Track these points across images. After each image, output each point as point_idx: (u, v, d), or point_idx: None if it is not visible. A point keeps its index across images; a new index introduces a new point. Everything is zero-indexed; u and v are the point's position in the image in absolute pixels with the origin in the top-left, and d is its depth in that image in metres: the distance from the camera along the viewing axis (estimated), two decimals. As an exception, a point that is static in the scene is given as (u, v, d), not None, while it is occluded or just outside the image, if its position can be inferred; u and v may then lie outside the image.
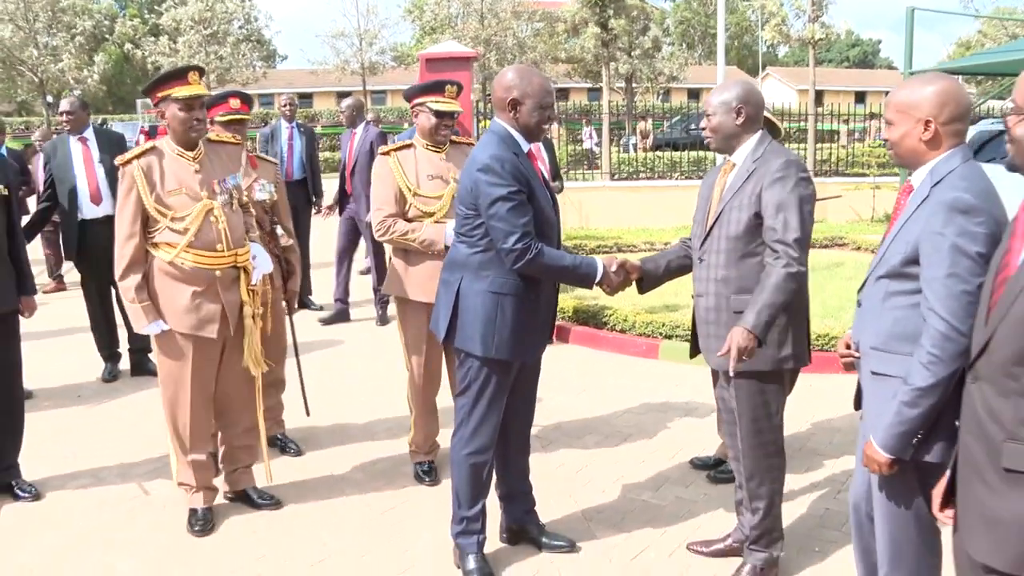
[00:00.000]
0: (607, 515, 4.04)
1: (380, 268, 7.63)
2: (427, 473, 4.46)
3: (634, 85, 34.42)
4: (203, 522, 3.96)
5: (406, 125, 23.45)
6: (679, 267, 3.62)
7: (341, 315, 8.13)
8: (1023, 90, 1.90)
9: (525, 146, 3.34)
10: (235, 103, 4.98)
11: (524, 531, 3.77)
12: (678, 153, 18.07)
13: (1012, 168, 1.97)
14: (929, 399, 2.25)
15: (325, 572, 3.60)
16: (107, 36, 40.70)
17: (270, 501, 4.20)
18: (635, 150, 24.80)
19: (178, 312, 3.81)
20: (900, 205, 2.54)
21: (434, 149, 4.37)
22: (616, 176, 17.73)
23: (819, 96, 42.34)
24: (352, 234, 8.15)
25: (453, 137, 4.47)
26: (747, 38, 62.39)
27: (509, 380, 3.43)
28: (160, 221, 3.77)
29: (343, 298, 8.23)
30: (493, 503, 3.66)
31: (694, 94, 49.41)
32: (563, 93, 45.19)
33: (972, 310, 2.12)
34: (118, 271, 3.82)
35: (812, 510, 4.07)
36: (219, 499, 4.16)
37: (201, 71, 3.92)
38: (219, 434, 4.23)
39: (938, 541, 2.55)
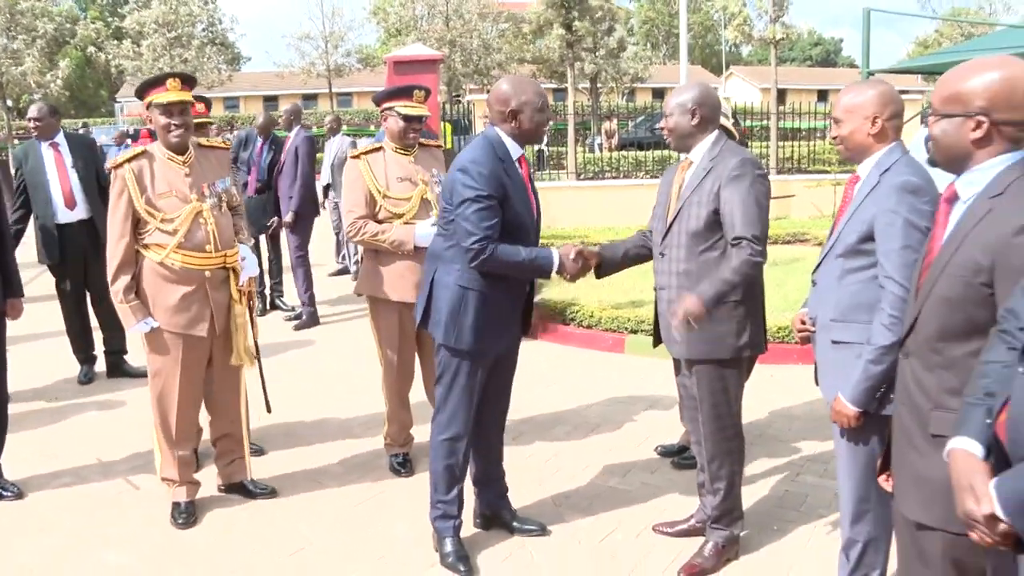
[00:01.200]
0: (576, 500, 4.22)
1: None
2: (402, 465, 4.61)
3: (599, 85, 34.69)
4: (186, 515, 4.07)
5: (372, 128, 23.46)
6: (636, 255, 3.76)
7: (312, 318, 8.16)
8: (939, 93, 2.10)
9: (516, 152, 3.48)
10: (199, 107, 5.12)
11: (497, 516, 3.92)
12: (643, 152, 18.29)
13: (932, 164, 2.17)
14: (891, 355, 2.47)
15: (305, 560, 3.74)
16: (68, 40, 40.27)
17: (265, 491, 4.34)
18: (600, 150, 25.03)
19: (168, 311, 3.93)
20: (848, 194, 2.84)
21: (403, 152, 4.52)
22: (582, 176, 17.92)
23: (782, 94, 42.84)
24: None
25: (421, 140, 4.61)
26: (710, 37, 63.00)
27: (480, 370, 3.56)
28: (150, 223, 3.88)
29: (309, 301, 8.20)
30: (468, 491, 3.81)
31: (659, 94, 49.82)
32: (529, 93, 45.41)
33: None
34: (109, 271, 3.93)
35: (772, 492, 4.26)
36: (205, 492, 4.27)
37: (183, 77, 4.01)
38: (201, 431, 4.36)
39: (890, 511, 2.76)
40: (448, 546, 3.63)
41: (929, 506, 1.95)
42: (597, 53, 31.31)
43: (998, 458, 1.69)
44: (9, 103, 35.70)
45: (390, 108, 4.49)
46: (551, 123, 3.53)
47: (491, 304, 3.46)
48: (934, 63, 14.08)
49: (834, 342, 2.81)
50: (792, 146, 18.28)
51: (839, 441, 2.85)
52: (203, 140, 4.27)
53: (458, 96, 35.23)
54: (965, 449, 1.75)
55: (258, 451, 4.83)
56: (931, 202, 2.53)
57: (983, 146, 2.04)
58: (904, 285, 2.50)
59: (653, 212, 3.70)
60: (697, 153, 3.47)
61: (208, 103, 6.01)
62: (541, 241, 8.80)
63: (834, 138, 2.86)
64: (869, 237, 2.68)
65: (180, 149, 4.00)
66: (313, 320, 8.09)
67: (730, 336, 3.40)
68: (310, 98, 50.12)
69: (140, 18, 36.60)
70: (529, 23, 32.25)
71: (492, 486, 3.92)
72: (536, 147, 23.93)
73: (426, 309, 3.56)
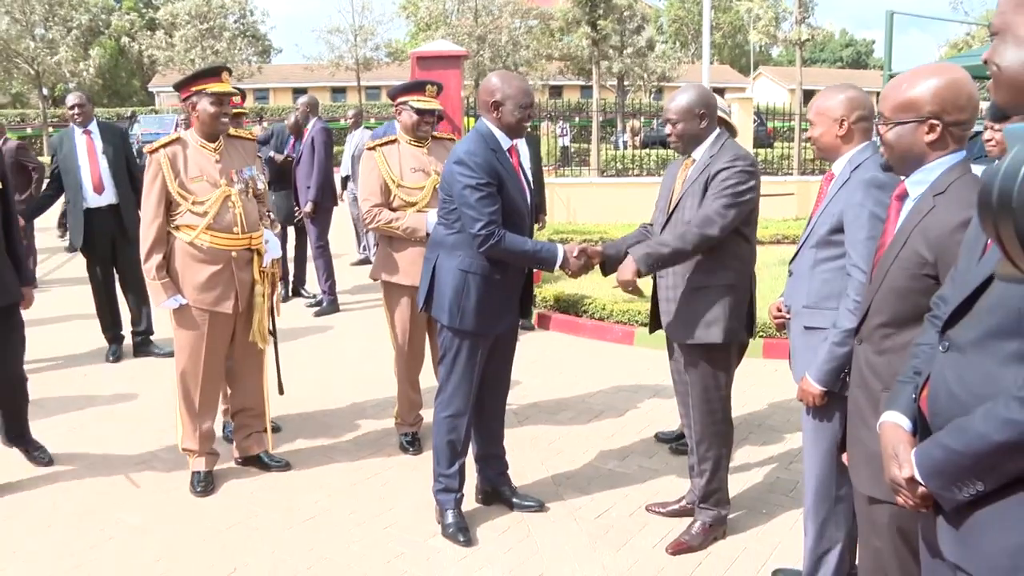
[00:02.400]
0: (575, 480, 4.40)
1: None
2: (411, 443, 4.82)
3: (627, 83, 34.77)
4: (205, 483, 4.31)
5: (371, 120, 23.56)
6: None
7: (332, 305, 8.38)
8: (888, 102, 2.25)
9: (506, 143, 3.69)
10: (236, 98, 5.33)
11: (497, 492, 4.12)
12: (667, 151, 18.40)
13: (886, 168, 2.33)
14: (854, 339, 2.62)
15: (317, 526, 3.96)
16: (103, 30, 40.87)
17: (280, 463, 4.57)
18: (625, 147, 25.14)
19: (196, 289, 4.18)
20: (823, 189, 3.05)
21: (416, 144, 4.74)
22: (605, 172, 18.06)
23: (810, 95, 42.69)
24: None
25: (434, 133, 4.83)
26: (740, 37, 62.69)
27: (480, 350, 3.77)
28: (182, 204, 4.13)
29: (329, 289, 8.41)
30: (471, 468, 4.02)
31: (687, 93, 49.74)
32: (556, 90, 45.53)
33: None
34: (143, 250, 4.17)
35: (765, 479, 4.43)
36: (224, 464, 4.50)
37: (230, 71, 4.30)
38: (223, 407, 4.59)
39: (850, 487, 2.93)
40: (449, 517, 3.84)
41: (878, 480, 2.10)
42: (625, 52, 31.39)
43: (924, 431, 1.86)
44: (44, 92, 36.26)
45: (404, 102, 4.72)
46: (531, 120, 3.77)
47: (492, 288, 3.68)
48: (964, 65, 14.11)
49: (806, 328, 3.00)
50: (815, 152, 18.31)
51: (806, 420, 3.02)
52: (232, 130, 4.49)
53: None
54: (893, 422, 1.92)
55: (276, 428, 5.02)
56: None
57: (937, 148, 2.19)
58: (867, 273, 2.63)
59: (656, 206, 3.88)
60: (699, 152, 3.65)
61: (243, 94, 6.21)
62: (560, 236, 8.99)
63: (808, 138, 3.08)
64: (839, 229, 2.87)
65: (214, 137, 4.25)
66: (333, 307, 8.32)
67: (720, 321, 3.57)
68: (339, 91, 50.54)
69: (174, 9, 37.13)
70: (557, 20, 32.38)
71: (493, 463, 4.12)
72: (560, 143, 24.16)
73: (429, 293, 3.77)
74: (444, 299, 3.69)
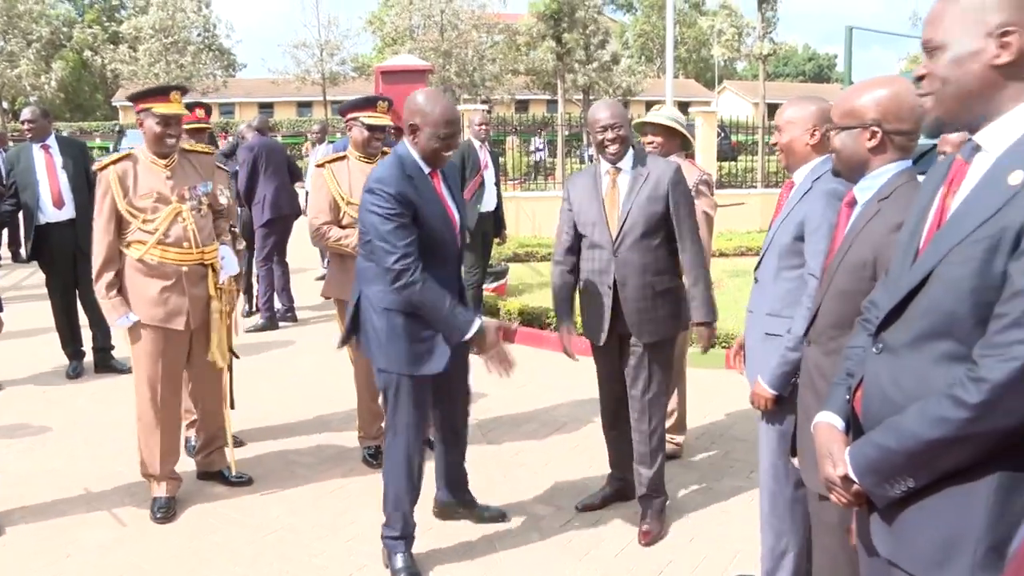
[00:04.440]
0: (538, 493, 4.42)
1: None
2: (373, 456, 4.80)
3: (592, 97, 34.97)
4: (165, 509, 4.18)
5: (338, 135, 23.46)
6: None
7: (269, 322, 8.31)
8: (836, 110, 2.37)
9: (427, 168, 3.45)
10: (200, 113, 5.33)
11: (456, 505, 4.05)
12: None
13: (836, 174, 2.41)
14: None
15: (279, 540, 3.95)
16: (64, 43, 40.51)
17: (242, 479, 4.52)
18: (591, 160, 25.24)
19: (147, 305, 4.10)
20: (783, 198, 3.12)
21: (366, 160, 4.71)
22: (571, 186, 18.10)
23: (774, 109, 43.22)
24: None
25: (385, 148, 4.76)
26: (704, 52, 63.35)
27: (421, 390, 3.52)
28: (132, 223, 4.08)
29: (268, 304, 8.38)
30: (429, 483, 3.90)
31: (652, 106, 50.17)
32: (523, 104, 45.73)
33: None
34: (94, 268, 4.12)
35: (726, 488, 4.48)
36: (185, 477, 4.44)
37: (183, 91, 4.24)
38: (184, 423, 4.55)
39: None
40: (399, 562, 3.60)
41: (828, 478, 2.15)
42: (590, 66, 31.60)
43: (856, 431, 1.90)
44: (4, 105, 35.83)
45: (355, 118, 4.70)
46: (450, 152, 3.47)
47: (421, 325, 3.41)
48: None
49: (767, 334, 3.05)
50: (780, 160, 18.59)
51: (760, 425, 3.09)
52: (187, 144, 4.46)
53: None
54: (827, 422, 1.98)
55: (239, 443, 4.99)
56: None
57: (878, 154, 2.30)
58: None
59: (579, 219, 3.89)
60: (626, 163, 3.81)
61: (208, 109, 6.20)
62: (526, 250, 8.99)
63: (774, 144, 3.14)
64: (801, 237, 2.94)
65: (165, 155, 4.19)
66: (270, 324, 8.23)
67: (680, 315, 3.88)
68: (305, 105, 50.37)
69: (138, 23, 36.88)
70: (522, 35, 32.55)
71: (454, 476, 4.03)
72: (536, 157, 24.24)
73: (356, 328, 3.55)
74: (370, 340, 3.49)
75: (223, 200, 4.60)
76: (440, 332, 3.43)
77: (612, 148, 3.75)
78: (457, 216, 3.59)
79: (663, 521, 3.99)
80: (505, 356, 3.47)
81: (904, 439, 1.68)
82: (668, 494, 4.08)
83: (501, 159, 16.90)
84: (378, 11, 42.06)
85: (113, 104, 52.03)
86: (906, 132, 2.27)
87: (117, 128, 31.68)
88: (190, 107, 5.32)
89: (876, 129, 2.27)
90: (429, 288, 3.31)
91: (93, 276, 4.14)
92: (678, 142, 4.58)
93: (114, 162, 4.14)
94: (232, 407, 4.74)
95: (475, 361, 3.69)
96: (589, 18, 29.50)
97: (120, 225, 4.12)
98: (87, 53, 41.07)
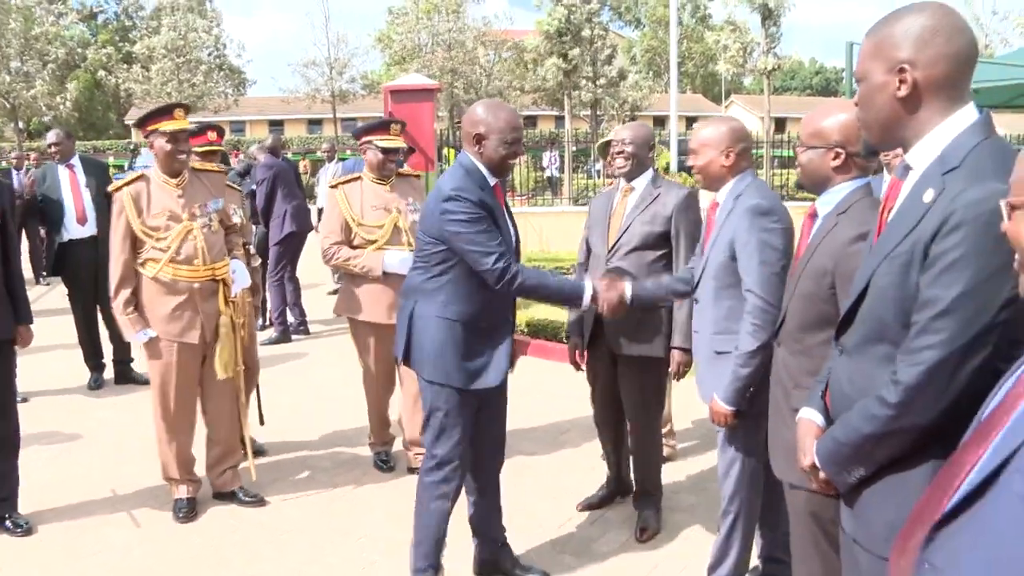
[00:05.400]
0: (540, 493, 4.63)
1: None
2: (384, 462, 4.99)
3: (599, 113, 35.27)
4: (187, 509, 4.40)
5: (348, 152, 23.65)
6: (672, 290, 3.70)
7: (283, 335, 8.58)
8: (804, 130, 2.60)
9: (491, 180, 3.37)
10: (212, 135, 5.52)
11: (496, 563, 3.78)
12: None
13: (799, 186, 2.64)
14: (756, 359, 2.94)
15: (293, 540, 4.17)
16: (79, 64, 41.05)
17: (254, 499, 4.59)
18: (599, 176, 25.51)
19: (162, 320, 4.27)
20: (711, 219, 3.28)
21: (380, 182, 4.85)
22: (580, 201, 18.37)
23: (782, 123, 43.32)
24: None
25: (399, 170, 4.96)
26: (712, 66, 63.66)
27: (469, 407, 3.41)
28: (146, 241, 4.24)
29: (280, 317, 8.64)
30: (464, 529, 3.77)
31: (659, 121, 50.38)
32: (531, 121, 46.03)
33: (780, 288, 2.80)
34: (111, 286, 4.29)
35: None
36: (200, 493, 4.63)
37: (187, 108, 4.40)
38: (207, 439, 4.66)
39: (761, 481, 3.22)
40: None
41: (794, 469, 2.36)
42: (597, 82, 31.88)
43: (829, 424, 2.11)
44: (20, 125, 36.31)
45: (369, 141, 4.82)
46: (518, 158, 3.45)
47: (478, 337, 3.36)
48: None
49: (717, 352, 3.21)
50: (787, 174, 18.83)
51: (720, 434, 3.26)
52: (197, 163, 4.59)
53: (460, 123, 35.79)
54: (807, 417, 2.19)
55: (261, 451, 5.17)
56: (780, 220, 3.02)
57: (840, 172, 2.53)
58: (762, 296, 2.94)
59: (589, 235, 4.15)
60: (640, 182, 4.00)
61: (221, 131, 6.37)
62: (533, 263, 9.07)
63: (690, 167, 3.32)
64: (734, 257, 3.09)
65: (176, 173, 4.33)
66: (284, 337, 8.51)
67: (660, 336, 3.98)
68: (315, 123, 50.85)
69: (150, 43, 37.37)
70: (529, 52, 32.88)
71: (491, 533, 3.78)
72: (548, 173, 24.50)
73: (408, 344, 3.44)
74: (424, 352, 3.37)
75: (236, 219, 4.75)
76: (561, 304, 3.57)
77: (617, 162, 3.98)
78: (515, 231, 3.54)
79: (659, 519, 4.19)
80: (623, 305, 3.41)
81: (848, 433, 1.91)
82: (664, 493, 4.28)
83: (509, 175, 17.18)
84: (386, 29, 42.46)
85: (126, 123, 52.63)
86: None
87: (132, 147, 32.03)
88: (202, 129, 5.47)
89: (840, 150, 2.50)
90: (529, 273, 3.32)
91: (111, 293, 4.29)
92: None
93: (128, 183, 4.30)
94: (262, 423, 4.94)
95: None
96: (596, 35, 29.80)
97: (135, 244, 4.27)
98: (100, 73, 41.52)
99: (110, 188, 4.35)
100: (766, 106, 23.12)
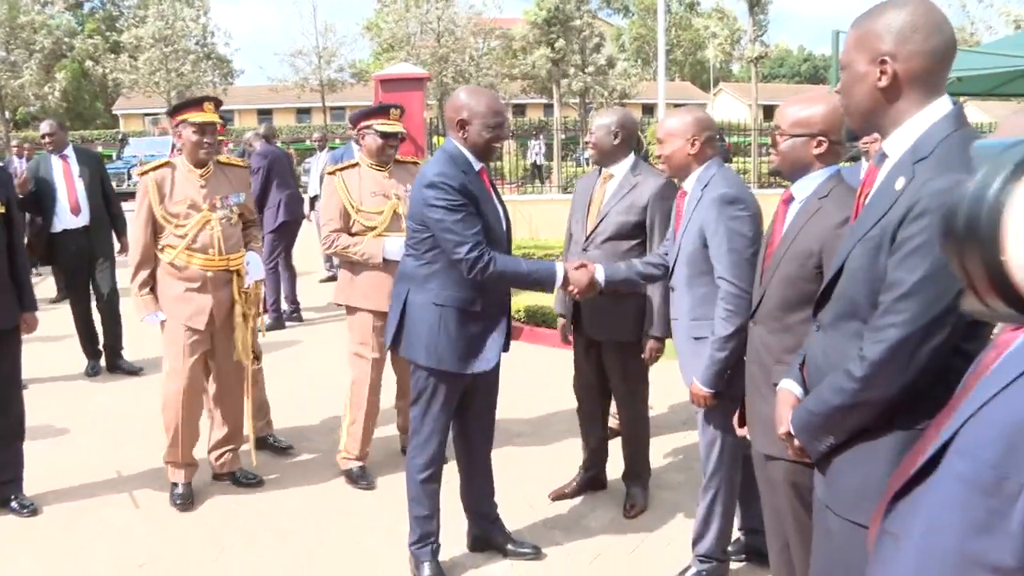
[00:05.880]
0: (532, 475, 4.77)
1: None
2: (362, 476, 4.72)
3: (588, 101, 35.35)
4: (183, 495, 4.45)
5: (337, 141, 23.53)
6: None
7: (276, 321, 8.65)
8: (785, 119, 2.70)
9: (476, 165, 3.44)
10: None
11: (489, 538, 3.90)
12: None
13: (775, 172, 2.75)
14: (731, 343, 3.06)
15: (290, 521, 4.30)
16: (66, 53, 40.84)
17: (253, 480, 4.72)
18: (588, 164, 25.62)
19: (174, 303, 4.40)
20: (680, 208, 3.38)
21: (378, 168, 4.80)
22: (568, 189, 18.45)
23: (770, 111, 43.42)
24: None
25: (397, 156, 4.93)
26: (700, 54, 63.65)
27: (457, 391, 3.55)
28: (166, 227, 4.36)
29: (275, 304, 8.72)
30: (458, 507, 3.91)
31: (648, 109, 50.47)
32: (519, 109, 46.11)
33: (750, 274, 2.92)
34: (130, 267, 4.42)
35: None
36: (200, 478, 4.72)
37: (217, 102, 4.51)
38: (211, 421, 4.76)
39: (740, 457, 3.34)
40: (426, 570, 3.63)
41: (773, 440, 2.48)
42: (586, 70, 31.94)
43: (806, 395, 2.23)
44: (7, 115, 36.13)
45: (368, 126, 4.78)
46: (501, 142, 3.51)
47: (470, 322, 3.44)
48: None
49: (695, 338, 3.33)
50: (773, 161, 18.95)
51: (699, 415, 3.39)
52: (223, 157, 4.69)
53: (449, 111, 35.75)
54: (786, 388, 2.31)
55: (287, 448, 5.20)
56: (747, 208, 3.13)
57: (823, 160, 2.65)
58: (734, 283, 3.05)
59: (572, 218, 4.25)
60: (619, 169, 4.07)
61: (224, 121, 6.40)
62: (523, 251, 9.00)
63: (657, 157, 3.42)
64: (704, 245, 3.20)
65: (201, 163, 4.45)
66: (278, 324, 8.60)
67: (636, 323, 4.08)
68: (304, 112, 50.76)
69: (137, 33, 37.19)
70: (518, 41, 32.90)
71: (483, 511, 3.90)
72: (531, 160, 24.53)
73: (399, 331, 3.52)
74: (417, 337, 3.45)
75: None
76: (533, 289, 3.60)
77: (588, 151, 4.06)
78: (504, 214, 3.60)
79: (647, 496, 4.33)
80: (594, 287, 3.51)
81: (819, 404, 2.05)
82: (652, 472, 4.43)
83: (498, 163, 17.22)
84: (375, 17, 42.39)
85: (113, 112, 52.45)
86: (842, 142, 2.63)
87: (120, 136, 32.01)
88: (199, 101, 5.43)
89: (823, 139, 2.61)
90: (501, 260, 3.35)
91: (130, 274, 4.41)
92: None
93: (153, 169, 4.42)
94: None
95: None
96: (584, 23, 29.85)
97: (156, 229, 4.40)
98: (88, 63, 41.31)
99: (135, 172, 4.41)
100: (754, 93, 23.23)
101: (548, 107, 42.14)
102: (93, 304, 7.09)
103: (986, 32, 37.26)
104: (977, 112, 35.30)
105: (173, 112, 4.50)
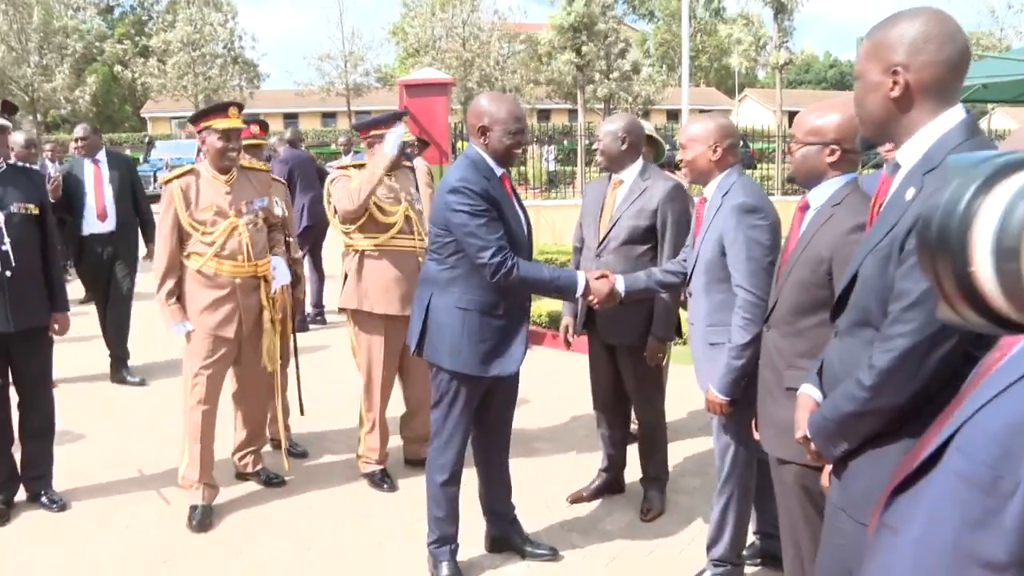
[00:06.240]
0: (551, 476, 4.81)
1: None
2: (383, 480, 4.77)
3: (613, 107, 35.32)
4: (201, 517, 4.32)
5: (363, 146, 23.79)
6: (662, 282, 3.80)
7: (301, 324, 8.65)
8: (800, 127, 2.75)
9: (498, 170, 3.49)
10: (255, 129, 5.58)
11: (507, 540, 3.97)
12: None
13: (791, 179, 2.79)
14: (748, 351, 3.08)
15: (312, 520, 4.39)
16: (97, 57, 41.41)
17: (277, 479, 4.79)
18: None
19: (201, 313, 4.32)
20: (700, 214, 3.41)
21: (388, 175, 4.59)
22: (591, 194, 18.45)
23: (794, 117, 43.20)
24: None
25: (406, 163, 4.89)
26: (726, 60, 63.45)
27: (478, 394, 3.60)
28: (193, 235, 4.31)
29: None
30: (477, 508, 3.96)
31: (673, 115, 50.32)
32: (544, 114, 46.13)
33: (768, 282, 2.95)
34: (156, 276, 4.34)
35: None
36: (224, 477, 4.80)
37: (240, 107, 4.48)
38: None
39: (754, 463, 3.39)
40: (444, 570, 3.69)
41: (785, 444, 2.52)
42: (611, 76, 31.90)
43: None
44: (39, 118, 36.67)
45: (380, 135, 4.68)
46: (522, 148, 3.54)
47: (493, 326, 3.48)
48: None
49: (710, 344, 3.36)
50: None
51: (714, 420, 3.42)
52: (245, 162, 4.63)
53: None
54: (806, 392, 2.34)
55: (302, 453, 5.25)
56: (766, 217, 3.16)
57: (836, 168, 2.68)
58: (751, 291, 3.08)
59: (583, 223, 4.30)
60: (629, 175, 4.12)
61: (264, 125, 6.23)
62: (546, 257, 8.97)
63: (679, 162, 3.45)
64: (723, 252, 3.23)
65: (226, 169, 4.41)
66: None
67: (649, 325, 4.13)
68: (329, 116, 51.09)
69: (166, 38, 37.62)
70: (543, 46, 32.92)
71: (501, 512, 3.96)
72: (545, 167, 24.50)
73: (422, 335, 3.55)
74: (440, 340, 3.49)
75: (278, 211, 4.87)
76: (556, 297, 3.67)
77: (597, 158, 4.15)
78: (526, 220, 3.64)
79: (663, 500, 4.38)
80: (613, 297, 3.59)
81: (833, 410, 2.09)
82: (669, 476, 4.47)
83: (521, 168, 17.24)
84: (400, 22, 42.61)
85: (142, 116, 53.01)
86: (856, 151, 2.66)
87: (147, 140, 32.39)
88: (246, 123, 5.28)
89: (836, 147, 2.65)
90: (525, 266, 3.39)
91: (156, 283, 4.34)
92: (653, 152, 4.81)
93: (178, 176, 4.37)
94: (302, 413, 5.17)
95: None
96: (609, 29, 29.83)
97: (182, 236, 4.34)
98: (117, 67, 41.84)
99: (161, 179, 4.37)
100: (778, 99, 23.15)
101: (573, 112, 42.13)
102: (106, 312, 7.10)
103: (1016, 38, 37.00)
104: (1005, 118, 34.90)
105: (197, 119, 4.45)
